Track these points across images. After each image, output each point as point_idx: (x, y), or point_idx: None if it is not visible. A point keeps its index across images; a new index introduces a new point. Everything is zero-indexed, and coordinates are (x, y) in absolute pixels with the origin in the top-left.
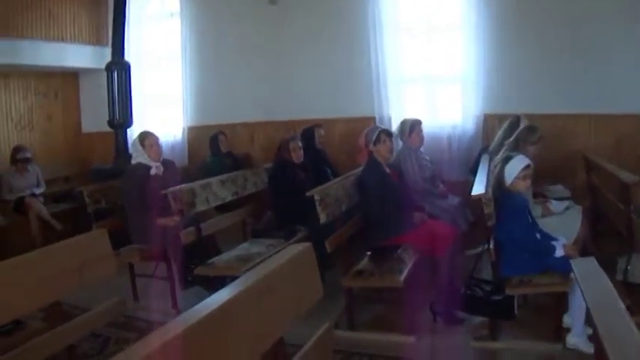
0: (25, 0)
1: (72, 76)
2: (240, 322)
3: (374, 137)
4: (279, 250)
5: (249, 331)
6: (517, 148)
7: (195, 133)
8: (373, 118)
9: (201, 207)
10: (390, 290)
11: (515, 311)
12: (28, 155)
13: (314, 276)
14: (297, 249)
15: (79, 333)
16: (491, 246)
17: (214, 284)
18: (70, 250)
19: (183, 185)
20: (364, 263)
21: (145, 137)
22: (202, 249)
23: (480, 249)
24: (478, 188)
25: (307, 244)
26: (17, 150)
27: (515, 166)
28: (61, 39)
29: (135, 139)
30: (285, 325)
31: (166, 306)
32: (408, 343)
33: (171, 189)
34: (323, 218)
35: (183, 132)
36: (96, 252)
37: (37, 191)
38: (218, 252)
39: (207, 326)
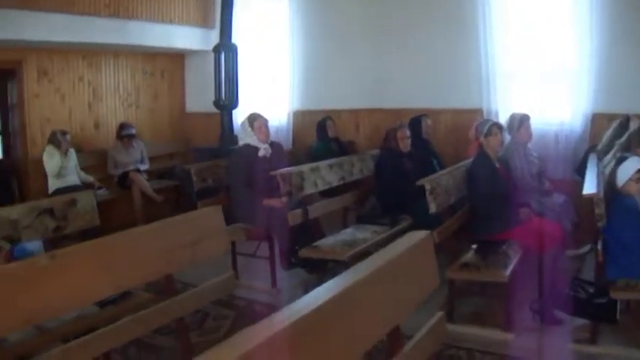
0: None
1: (178, 57)
2: (358, 309)
3: (485, 129)
4: (385, 237)
5: (367, 318)
6: (629, 149)
7: (300, 117)
8: (480, 111)
9: (309, 190)
10: (493, 285)
11: (618, 316)
12: (133, 132)
13: (432, 264)
14: (416, 237)
15: (189, 306)
16: (599, 247)
17: (316, 267)
18: (185, 225)
19: (292, 167)
20: (469, 256)
21: (255, 119)
22: (307, 232)
23: (583, 250)
24: (589, 187)
25: (426, 232)
26: (122, 127)
27: (629, 168)
28: (169, 20)
29: (244, 121)
30: (402, 314)
31: (266, 285)
32: (506, 340)
33: (280, 171)
34: (433, 208)
35: (288, 116)
36: (210, 228)
37: (142, 167)
38: (322, 236)
39: (326, 312)
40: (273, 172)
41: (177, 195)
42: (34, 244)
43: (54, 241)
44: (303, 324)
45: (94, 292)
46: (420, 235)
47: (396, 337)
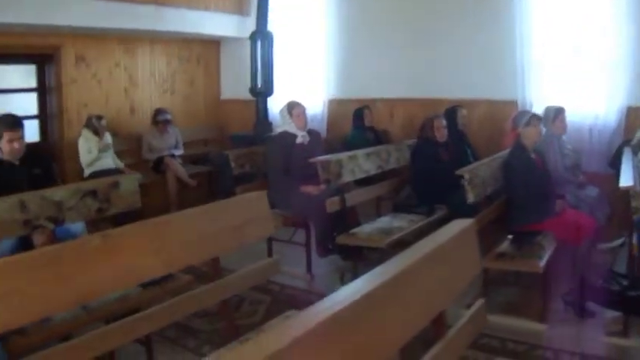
0: None
1: (214, 44)
2: (406, 296)
3: (525, 120)
4: (421, 226)
5: (414, 305)
6: None
7: (335, 106)
8: (514, 102)
9: (347, 178)
10: (528, 275)
11: None
12: (168, 117)
13: (475, 252)
14: (460, 225)
15: (233, 290)
16: (634, 240)
17: (351, 254)
18: (232, 209)
19: (331, 155)
20: (505, 246)
21: (293, 107)
22: (344, 219)
23: (616, 243)
24: (626, 180)
25: (470, 221)
26: (158, 112)
27: None
28: (205, 7)
29: (283, 108)
30: (446, 300)
31: (301, 271)
32: (540, 331)
33: (319, 158)
34: (471, 198)
35: (323, 104)
36: (255, 212)
37: (176, 152)
38: (358, 223)
39: (373, 299)
40: (312, 160)
41: (210, 180)
42: (77, 226)
43: (95, 223)
44: (349, 312)
45: (142, 273)
46: (463, 223)
47: (440, 324)
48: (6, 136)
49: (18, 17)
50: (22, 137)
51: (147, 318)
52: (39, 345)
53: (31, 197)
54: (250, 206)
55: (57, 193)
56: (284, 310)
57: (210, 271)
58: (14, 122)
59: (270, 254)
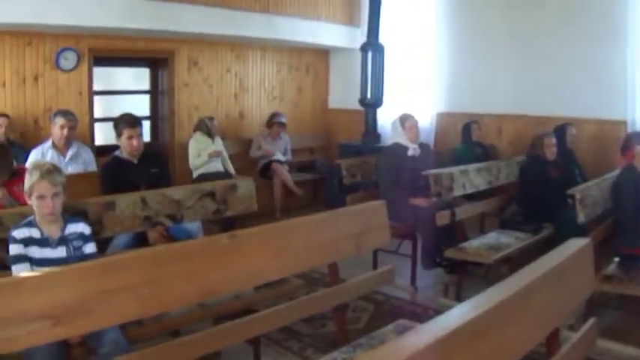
0: None
1: (323, 53)
2: (522, 313)
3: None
4: (528, 244)
5: (530, 322)
6: None
7: (443, 119)
8: (624, 123)
9: (458, 192)
10: (634, 300)
11: None
12: (284, 121)
13: (590, 272)
14: (577, 244)
15: (348, 296)
16: None
17: (456, 268)
18: (352, 217)
19: (443, 169)
20: (612, 268)
21: (406, 119)
22: (452, 233)
23: None
24: None
25: (587, 240)
26: (275, 115)
27: None
28: (316, 17)
29: (395, 120)
30: (561, 317)
31: (405, 282)
32: None
33: (432, 171)
34: (581, 218)
35: (432, 117)
36: (374, 222)
37: (283, 158)
38: (465, 238)
39: (491, 316)
40: (424, 172)
41: (315, 188)
42: (193, 225)
43: (207, 223)
44: (468, 329)
45: (264, 275)
46: (580, 242)
47: (553, 342)
48: (125, 133)
49: (136, 23)
50: (140, 135)
51: (262, 319)
52: (151, 336)
53: (152, 195)
54: (370, 216)
55: (177, 192)
56: (387, 319)
57: (328, 276)
58: (133, 120)
59: (375, 264)
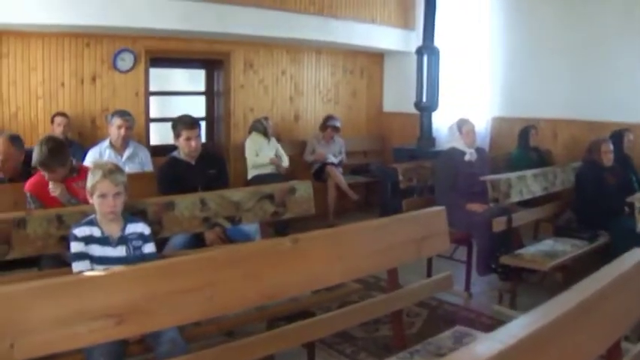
0: None
1: (377, 57)
2: (587, 323)
3: None
4: (584, 252)
5: (594, 333)
6: None
7: (498, 124)
8: None
9: (514, 198)
10: None
11: None
12: (337, 124)
13: None
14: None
15: (407, 301)
16: None
17: (510, 275)
18: (412, 222)
19: (501, 175)
20: None
21: (464, 124)
22: (508, 239)
23: None
24: None
25: None
26: (329, 117)
27: None
28: (371, 20)
29: (453, 125)
30: (624, 327)
31: (458, 288)
32: None
33: (490, 177)
34: None
35: (487, 122)
36: (435, 228)
37: (336, 161)
38: (520, 245)
39: (557, 326)
40: (482, 178)
41: (368, 191)
42: (251, 227)
43: (262, 225)
44: (533, 339)
45: (325, 279)
46: None
47: (616, 353)
48: (184, 134)
49: (193, 25)
50: (198, 136)
51: (320, 324)
52: (207, 336)
53: (211, 196)
54: (430, 222)
55: (236, 194)
56: (441, 324)
57: (388, 281)
58: (191, 122)
59: (429, 269)
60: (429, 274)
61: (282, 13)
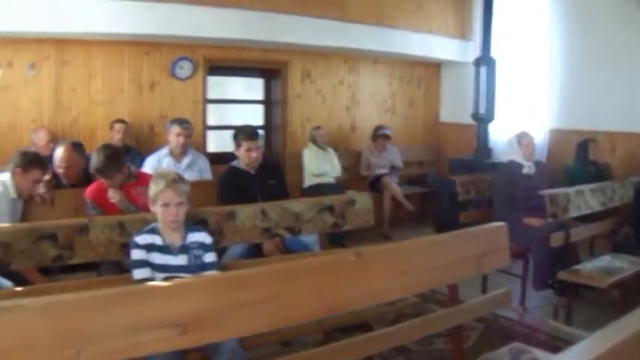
0: None
1: (434, 67)
2: None
3: None
4: None
5: None
6: None
7: (555, 136)
8: None
9: (573, 213)
10: None
11: None
12: (388, 133)
13: None
14: None
15: (467, 316)
16: None
17: (566, 291)
18: (473, 238)
19: (559, 189)
20: None
21: (523, 137)
22: (565, 255)
23: None
24: None
25: None
26: (379, 127)
27: None
28: (428, 30)
29: (512, 137)
30: None
31: (513, 302)
32: None
33: (549, 191)
34: None
35: (544, 134)
36: (495, 243)
37: (392, 171)
38: (577, 260)
39: (622, 348)
40: (541, 192)
41: (424, 202)
42: (310, 238)
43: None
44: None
45: (388, 293)
46: None
47: None
48: (245, 145)
49: (251, 34)
50: (258, 147)
51: (380, 339)
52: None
53: (272, 207)
54: (491, 237)
55: (296, 205)
56: (496, 339)
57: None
58: (252, 133)
59: (484, 283)
60: (483, 288)
61: (340, 23)
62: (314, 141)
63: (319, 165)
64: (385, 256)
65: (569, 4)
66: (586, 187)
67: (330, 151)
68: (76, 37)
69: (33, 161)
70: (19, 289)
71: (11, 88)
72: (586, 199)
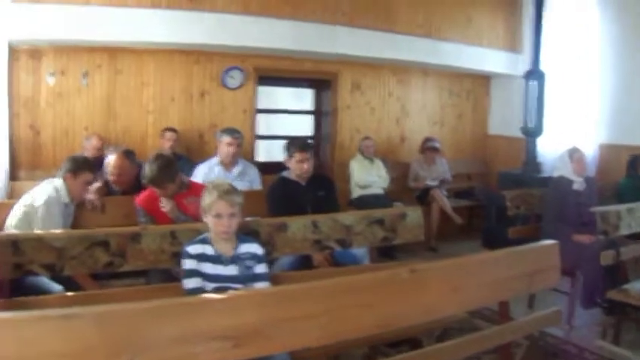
0: (447, 4)
1: (483, 79)
2: None
3: None
4: None
5: None
6: None
7: (605, 151)
8: None
9: (624, 231)
10: None
11: None
12: (436, 145)
13: None
14: None
15: (518, 334)
16: None
17: (614, 310)
18: (525, 256)
19: (610, 207)
20: None
21: (574, 152)
22: (614, 273)
23: None
24: None
25: None
26: (427, 139)
27: None
28: (479, 43)
29: (563, 153)
30: None
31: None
32: None
33: (599, 208)
34: None
35: (594, 149)
36: (546, 262)
37: (442, 184)
38: (626, 279)
39: None
40: (592, 209)
41: (471, 215)
42: (360, 250)
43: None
44: None
45: (440, 310)
46: None
47: None
48: (297, 156)
49: (302, 45)
50: (310, 159)
51: (431, 355)
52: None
53: (323, 219)
54: (542, 256)
55: (347, 217)
56: (542, 357)
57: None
58: (305, 145)
59: (531, 299)
60: (530, 303)
61: (390, 35)
62: (361, 152)
63: (365, 176)
64: (438, 274)
65: (621, 16)
66: (638, 205)
67: (378, 162)
68: (128, 46)
69: (82, 165)
70: (69, 294)
71: (64, 95)
72: (637, 216)
